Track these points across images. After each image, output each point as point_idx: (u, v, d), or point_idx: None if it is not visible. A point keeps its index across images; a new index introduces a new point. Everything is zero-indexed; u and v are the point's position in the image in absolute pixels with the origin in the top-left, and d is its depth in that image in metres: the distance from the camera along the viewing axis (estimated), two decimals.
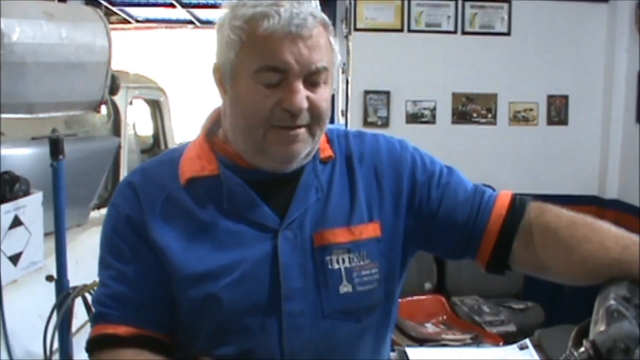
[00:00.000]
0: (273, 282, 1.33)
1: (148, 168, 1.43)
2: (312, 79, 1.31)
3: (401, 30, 5.17)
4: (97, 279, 2.54)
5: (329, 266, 1.36)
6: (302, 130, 1.32)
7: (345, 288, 1.37)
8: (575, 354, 1.12)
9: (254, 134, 1.31)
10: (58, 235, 2.62)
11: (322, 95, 1.33)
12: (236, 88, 1.32)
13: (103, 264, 1.39)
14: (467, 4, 5.14)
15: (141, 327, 1.34)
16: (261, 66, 1.28)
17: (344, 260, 1.37)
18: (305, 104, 1.30)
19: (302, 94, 1.29)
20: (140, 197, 1.36)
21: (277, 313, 1.33)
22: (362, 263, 1.39)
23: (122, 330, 1.33)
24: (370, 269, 1.40)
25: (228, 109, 1.36)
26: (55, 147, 2.48)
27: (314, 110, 1.32)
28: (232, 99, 1.34)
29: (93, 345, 1.37)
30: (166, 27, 13.15)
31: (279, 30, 1.26)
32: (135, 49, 12.31)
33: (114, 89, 2.64)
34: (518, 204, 1.43)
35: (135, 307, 1.35)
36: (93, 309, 1.42)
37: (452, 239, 1.45)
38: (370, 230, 1.41)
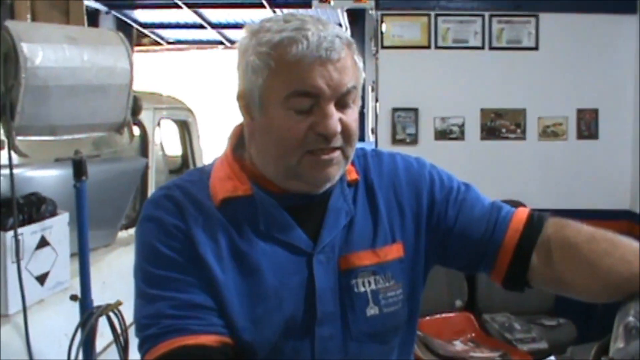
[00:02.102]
0: (308, 306, 1.32)
1: (183, 185, 1.38)
2: (342, 101, 1.30)
3: (428, 47, 5.17)
4: (120, 299, 2.58)
5: (355, 289, 1.36)
6: (337, 154, 1.31)
7: (372, 310, 1.36)
8: None
9: (288, 161, 1.30)
10: (82, 255, 2.65)
11: (352, 116, 1.32)
12: (266, 116, 1.30)
13: (151, 280, 1.30)
14: (494, 20, 5.13)
15: (223, 334, 1.26)
16: (292, 92, 1.26)
17: (369, 283, 1.37)
18: (339, 128, 1.28)
19: (335, 117, 1.28)
20: (183, 210, 1.32)
21: (310, 337, 1.33)
22: (387, 284, 1.38)
23: (206, 339, 1.24)
24: (395, 290, 1.39)
25: (258, 137, 1.34)
26: (78, 168, 2.51)
27: (346, 132, 1.31)
28: (262, 127, 1.32)
29: None
30: (197, 48, 13.31)
31: (309, 55, 1.25)
32: (166, 70, 12.47)
33: (135, 111, 2.66)
34: (536, 219, 1.42)
35: (212, 314, 1.27)
36: (145, 329, 1.27)
37: (467, 254, 1.44)
38: (394, 251, 1.40)
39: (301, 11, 9.14)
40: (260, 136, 1.33)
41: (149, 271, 1.30)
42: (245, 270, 1.31)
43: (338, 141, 1.30)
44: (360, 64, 1.35)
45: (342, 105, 1.30)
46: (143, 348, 1.26)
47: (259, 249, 1.32)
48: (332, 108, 1.28)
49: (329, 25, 1.29)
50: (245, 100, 1.34)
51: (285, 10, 9.98)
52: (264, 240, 1.33)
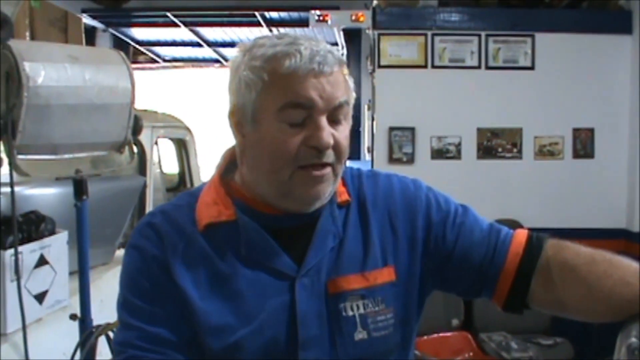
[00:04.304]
0: (290, 330, 1.31)
1: (168, 211, 1.39)
2: (334, 116, 1.30)
3: (425, 66, 5.18)
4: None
5: (343, 313, 1.34)
6: (328, 170, 1.31)
7: (360, 335, 1.34)
8: None
9: (280, 176, 1.29)
10: (82, 274, 2.65)
11: (343, 133, 1.32)
12: (259, 129, 1.30)
13: (128, 307, 1.33)
14: (491, 39, 5.16)
15: None
16: (285, 103, 1.27)
17: (358, 307, 1.35)
18: (331, 141, 1.29)
19: (328, 130, 1.28)
20: (164, 239, 1.33)
21: None
22: (376, 309, 1.36)
23: None
24: (386, 314, 1.37)
25: (249, 152, 1.34)
26: (79, 187, 2.51)
27: (337, 148, 1.31)
28: (254, 142, 1.32)
29: None
30: (193, 66, 13.36)
31: (302, 67, 1.26)
32: (163, 88, 12.49)
33: (136, 130, 2.67)
34: (535, 242, 1.41)
35: (174, 349, 1.29)
36: (117, 355, 1.32)
37: (467, 278, 1.43)
38: (385, 275, 1.38)
39: (298, 30, 9.19)
40: (252, 152, 1.33)
41: (127, 298, 1.33)
42: (227, 295, 1.31)
43: (330, 157, 1.30)
44: (351, 84, 1.36)
45: (333, 120, 1.31)
46: None
47: (241, 274, 1.32)
48: (324, 121, 1.29)
49: (321, 42, 1.31)
50: (237, 117, 1.34)
51: (282, 29, 10.03)
52: (247, 264, 1.33)
